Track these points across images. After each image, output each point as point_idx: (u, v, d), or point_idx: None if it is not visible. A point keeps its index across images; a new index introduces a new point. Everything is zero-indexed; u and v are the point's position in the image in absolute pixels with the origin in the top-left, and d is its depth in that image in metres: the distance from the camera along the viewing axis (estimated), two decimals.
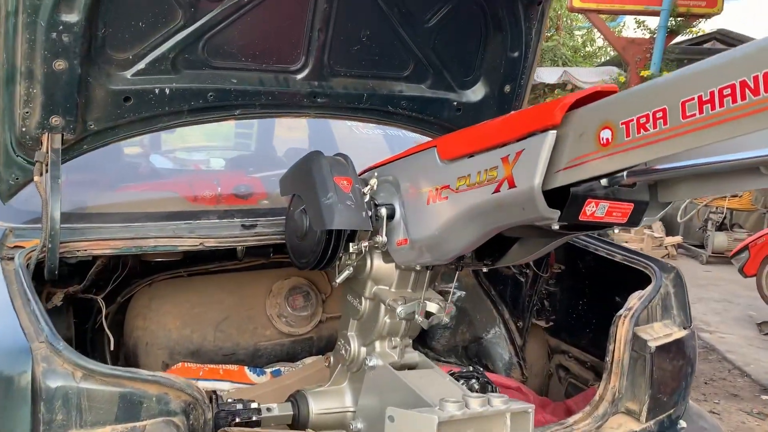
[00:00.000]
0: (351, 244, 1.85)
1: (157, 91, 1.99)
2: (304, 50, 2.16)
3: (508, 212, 1.38)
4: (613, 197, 1.35)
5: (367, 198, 1.80)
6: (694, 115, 1.01)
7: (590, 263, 2.56)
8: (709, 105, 0.98)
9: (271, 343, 2.66)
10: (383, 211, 1.76)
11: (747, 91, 0.92)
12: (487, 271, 2.94)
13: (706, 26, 12.50)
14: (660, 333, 2.03)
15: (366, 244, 1.83)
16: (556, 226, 1.36)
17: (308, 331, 2.68)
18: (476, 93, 2.56)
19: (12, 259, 1.75)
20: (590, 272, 2.60)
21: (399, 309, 1.81)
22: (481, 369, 2.42)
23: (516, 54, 2.46)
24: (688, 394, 2.19)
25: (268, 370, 2.56)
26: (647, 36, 11.72)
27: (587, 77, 13.06)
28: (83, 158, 2.03)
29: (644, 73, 10.81)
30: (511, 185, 1.33)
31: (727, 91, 0.95)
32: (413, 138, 2.86)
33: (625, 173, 1.25)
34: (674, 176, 1.32)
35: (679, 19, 10.72)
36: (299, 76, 2.21)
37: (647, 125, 1.07)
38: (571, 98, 1.24)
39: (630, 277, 2.27)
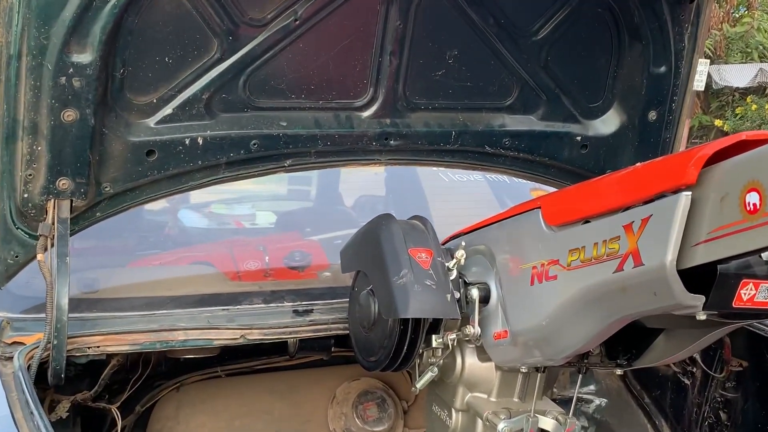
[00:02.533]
0: (434, 336, 1.99)
1: (187, 141, 2.23)
2: (372, 80, 2.37)
3: (637, 297, 1.48)
4: None
5: (454, 275, 1.95)
6: None
7: None
8: None
9: None
10: (474, 293, 1.90)
11: None
12: (637, 370, 3.01)
13: None
14: None
15: (453, 336, 1.96)
16: (702, 316, 1.45)
17: None
18: (608, 123, 2.68)
19: (11, 359, 2.00)
20: None
21: (501, 426, 1.93)
22: None
23: (663, 69, 2.56)
24: None
25: None
26: None
27: None
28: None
29: None
30: (638, 262, 1.43)
31: None
32: (527, 184, 3.01)
33: None
34: None
35: None
36: (366, 114, 2.41)
37: None
38: (709, 149, 1.34)
39: None
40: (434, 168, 3.21)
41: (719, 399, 2.83)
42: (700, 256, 1.37)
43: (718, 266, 1.40)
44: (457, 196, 3.61)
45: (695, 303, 1.40)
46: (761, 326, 2.57)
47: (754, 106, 13.86)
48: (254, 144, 2.32)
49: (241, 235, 3.81)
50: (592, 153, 2.68)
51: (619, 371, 1.94)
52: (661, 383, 2.98)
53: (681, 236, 1.37)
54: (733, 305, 1.43)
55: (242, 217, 4.14)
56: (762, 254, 1.38)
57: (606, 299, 1.56)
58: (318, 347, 2.62)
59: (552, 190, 2.82)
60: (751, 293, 1.43)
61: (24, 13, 1.88)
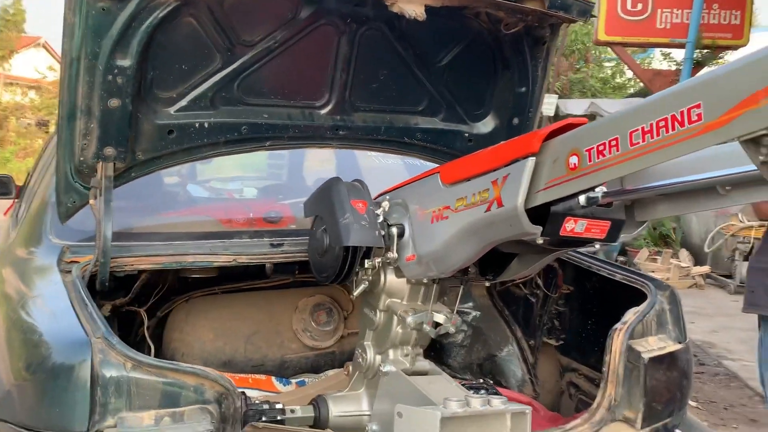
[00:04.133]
0: (366, 260, 2.06)
1: (197, 125, 2.24)
2: (327, 88, 2.40)
3: (498, 228, 1.58)
4: (591, 216, 1.54)
5: (381, 219, 2.02)
6: (639, 143, 1.21)
7: (595, 284, 2.72)
8: (649, 134, 1.18)
9: (297, 356, 2.87)
10: (394, 230, 1.98)
11: (676, 123, 1.12)
12: (500, 292, 3.13)
13: (732, 58, 12.52)
14: (654, 346, 2.19)
15: (379, 260, 2.04)
16: (540, 241, 1.54)
17: (331, 345, 2.88)
18: (486, 125, 2.76)
19: (70, 272, 2.00)
20: (596, 292, 2.76)
21: (409, 319, 2.01)
22: (491, 382, 2.59)
23: (523, 89, 2.64)
24: (685, 404, 2.32)
25: (294, 381, 2.76)
26: (674, 68, 11.84)
27: (614, 108, 13.14)
28: (130, 188, 2.28)
29: None
30: (500, 205, 1.53)
31: (662, 123, 1.15)
32: (429, 166, 3.08)
33: (600, 194, 1.45)
34: (645, 196, 1.51)
35: (705, 51, 10.82)
36: (323, 111, 2.45)
37: (605, 152, 1.27)
38: (546, 130, 1.45)
39: (631, 295, 2.43)
40: (369, 152, 3.26)
41: (554, 311, 2.96)
42: (540, 199, 1.47)
43: (551, 207, 1.50)
44: (383, 172, 3.66)
45: (535, 231, 1.50)
46: (581, 262, 2.70)
47: None
48: (244, 129, 2.34)
49: (232, 201, 3.81)
50: (475, 145, 2.74)
51: (487, 283, 2.03)
52: (516, 301, 3.10)
53: (527, 186, 1.46)
54: (560, 234, 1.53)
55: (233, 190, 4.14)
56: (579, 198, 1.47)
57: (479, 230, 1.66)
58: (287, 270, 2.67)
59: None
60: (572, 226, 1.53)
61: (83, 29, 1.87)
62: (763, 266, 2.78)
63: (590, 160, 1.31)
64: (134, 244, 2.29)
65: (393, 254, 1.98)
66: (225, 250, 2.33)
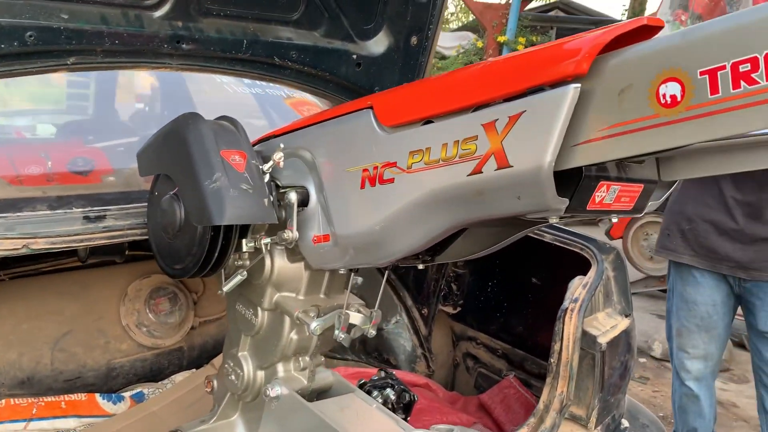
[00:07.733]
0: (245, 240, 1.36)
1: None
2: None
3: (494, 201, 0.97)
4: (625, 177, 0.99)
5: (267, 179, 1.32)
6: None
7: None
8: None
9: (129, 360, 2.10)
10: (293, 197, 1.29)
11: None
12: None
13: None
14: (606, 325, 1.77)
15: (267, 241, 1.35)
16: (555, 220, 0.98)
17: (177, 341, 2.15)
18: (378, 44, 2.13)
19: None
20: (504, 251, 2.32)
21: (314, 325, 1.37)
22: (393, 372, 2.05)
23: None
24: (627, 389, 1.97)
25: (127, 395, 2.02)
26: (503, 2, 11.86)
27: (446, 42, 13.02)
28: None
29: (501, 39, 10.94)
30: (502, 164, 0.91)
31: None
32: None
33: None
34: (699, 149, 0.99)
35: None
36: (157, 14, 1.65)
37: (754, 75, 0.70)
38: (607, 36, 0.83)
39: (547, 251, 2.02)
40: (222, 78, 2.47)
41: (452, 274, 2.52)
42: (579, 158, 0.87)
43: (584, 168, 0.92)
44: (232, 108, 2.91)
45: (561, 206, 0.92)
46: None
47: None
48: (30, 36, 1.48)
49: (21, 143, 2.81)
50: (365, 71, 2.13)
51: (420, 266, 1.42)
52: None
53: (563, 135, 0.86)
54: (588, 207, 0.97)
55: (22, 128, 3.10)
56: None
57: (456, 202, 1.03)
58: (111, 251, 1.86)
59: (327, 104, 2.25)
60: (602, 195, 0.97)
61: None
62: (680, 209, 2.53)
63: (715, 92, 0.73)
64: None
65: (291, 234, 1.30)
66: (8, 231, 1.46)
